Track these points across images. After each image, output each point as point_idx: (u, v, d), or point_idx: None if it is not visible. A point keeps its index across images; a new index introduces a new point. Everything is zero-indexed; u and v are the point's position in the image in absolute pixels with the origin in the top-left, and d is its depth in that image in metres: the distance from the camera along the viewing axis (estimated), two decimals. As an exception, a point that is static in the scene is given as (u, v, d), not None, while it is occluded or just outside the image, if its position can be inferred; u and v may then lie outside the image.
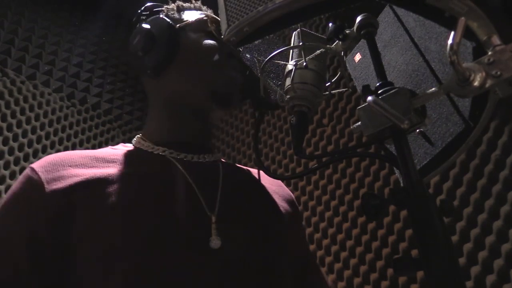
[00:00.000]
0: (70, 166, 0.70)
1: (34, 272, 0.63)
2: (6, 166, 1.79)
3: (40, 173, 0.68)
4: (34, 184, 0.67)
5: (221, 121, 2.33)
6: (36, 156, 1.92)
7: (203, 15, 0.82)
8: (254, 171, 0.87)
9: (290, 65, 0.66)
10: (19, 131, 1.90)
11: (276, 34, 0.77)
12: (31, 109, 1.99)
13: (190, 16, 0.82)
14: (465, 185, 1.23)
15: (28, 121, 1.95)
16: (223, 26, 0.54)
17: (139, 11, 0.84)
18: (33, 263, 0.63)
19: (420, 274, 1.25)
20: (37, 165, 0.70)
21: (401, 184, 0.50)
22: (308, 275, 0.85)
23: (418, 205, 0.46)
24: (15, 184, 0.70)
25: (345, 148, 1.63)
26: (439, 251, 0.43)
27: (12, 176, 1.80)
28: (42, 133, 1.99)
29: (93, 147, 2.18)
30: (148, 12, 0.83)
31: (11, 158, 1.82)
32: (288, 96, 0.63)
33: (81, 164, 0.71)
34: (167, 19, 0.78)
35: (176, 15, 0.82)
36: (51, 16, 2.30)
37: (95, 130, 2.24)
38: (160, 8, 0.84)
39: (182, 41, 0.77)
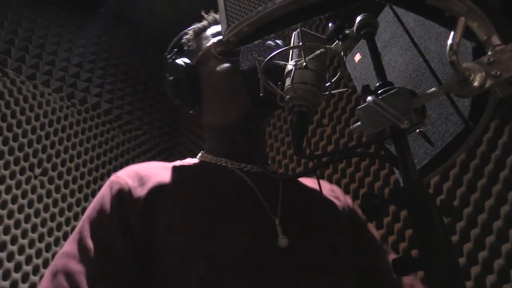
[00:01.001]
0: (151, 173, 0.78)
1: (131, 259, 0.70)
2: (6, 166, 1.79)
3: (126, 180, 0.76)
4: (122, 187, 0.75)
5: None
6: (36, 156, 1.92)
7: (211, 41, 0.87)
8: (309, 180, 0.94)
9: (290, 65, 0.66)
10: (19, 131, 1.90)
11: (276, 34, 0.77)
12: (31, 109, 1.99)
13: (201, 43, 0.88)
14: (465, 185, 1.23)
15: (28, 121, 1.95)
16: (223, 26, 0.54)
17: (165, 54, 0.92)
18: (129, 252, 0.70)
19: (420, 274, 1.25)
20: (122, 173, 0.79)
21: (401, 184, 0.50)
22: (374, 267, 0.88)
23: (418, 205, 0.46)
24: (103, 189, 0.78)
25: (345, 148, 1.63)
26: (439, 251, 0.43)
27: (12, 176, 1.80)
28: (42, 133, 1.98)
29: (93, 147, 2.18)
30: (171, 51, 0.91)
31: (11, 158, 1.82)
32: (288, 96, 0.63)
33: (159, 172, 0.79)
34: (182, 63, 0.85)
35: (194, 45, 0.89)
36: (51, 16, 2.30)
37: (95, 130, 2.24)
38: (181, 42, 0.92)
39: (201, 74, 0.85)
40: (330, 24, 0.62)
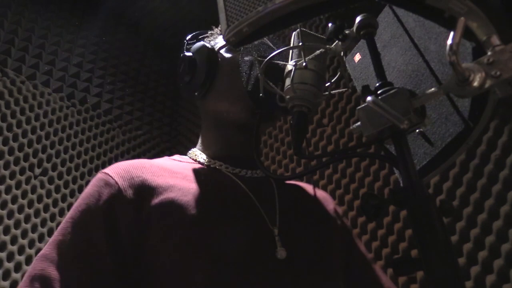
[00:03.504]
0: (143, 174, 0.73)
1: (114, 265, 0.65)
2: (6, 166, 1.79)
3: (116, 179, 0.71)
4: (112, 187, 0.69)
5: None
6: (36, 156, 1.92)
7: None
8: (302, 185, 0.91)
9: (290, 65, 0.66)
10: (19, 131, 1.90)
11: (276, 34, 0.77)
12: (31, 109, 1.99)
13: None
14: (465, 185, 1.23)
15: (28, 121, 1.95)
16: (223, 26, 0.54)
17: (185, 40, 0.90)
18: (113, 257, 0.66)
19: (420, 274, 1.25)
20: (112, 171, 0.73)
21: (401, 184, 0.50)
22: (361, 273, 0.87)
23: (418, 205, 0.46)
24: (90, 187, 0.72)
25: (345, 148, 1.63)
26: (439, 251, 0.43)
27: (12, 176, 1.80)
28: (42, 133, 1.98)
29: (93, 147, 2.18)
30: (194, 40, 0.89)
31: (11, 158, 1.82)
32: (288, 96, 0.63)
33: (151, 172, 0.74)
34: (206, 44, 0.83)
35: (218, 39, 0.87)
36: (51, 16, 2.30)
37: (95, 130, 2.24)
38: (204, 35, 0.90)
39: (220, 61, 0.82)
40: (330, 24, 0.62)
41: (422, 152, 0.63)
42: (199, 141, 0.88)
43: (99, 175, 0.73)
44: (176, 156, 0.87)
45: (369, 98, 0.49)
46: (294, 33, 0.70)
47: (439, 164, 0.61)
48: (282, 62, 0.69)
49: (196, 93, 0.82)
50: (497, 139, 1.18)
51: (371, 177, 1.57)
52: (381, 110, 0.47)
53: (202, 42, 0.85)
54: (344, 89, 0.82)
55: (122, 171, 0.73)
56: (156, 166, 0.77)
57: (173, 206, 0.69)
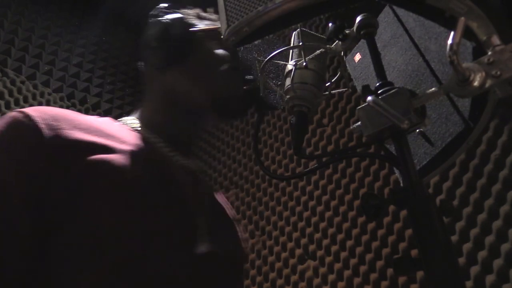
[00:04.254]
0: (74, 127, 0.63)
1: (28, 217, 0.56)
2: (6, 166, 1.79)
3: (38, 121, 0.59)
4: (29, 129, 0.58)
5: (216, 127, 2.34)
6: (36, 156, 1.92)
7: (218, 27, 0.83)
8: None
9: (290, 65, 0.66)
10: (19, 131, 1.90)
11: (276, 34, 0.77)
12: (31, 109, 1.99)
13: (207, 25, 0.84)
14: (465, 185, 1.23)
15: (28, 121, 1.95)
16: (223, 26, 0.54)
17: (160, 5, 0.85)
18: (28, 209, 0.56)
19: (420, 274, 1.25)
20: (34, 113, 0.60)
21: (401, 184, 0.50)
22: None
23: (418, 205, 0.46)
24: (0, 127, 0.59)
25: (345, 148, 1.63)
26: (439, 251, 0.43)
27: (12, 176, 1.80)
28: (42, 133, 1.99)
29: (93, 147, 2.19)
30: (169, 10, 0.84)
31: (11, 158, 1.82)
32: (288, 96, 0.63)
33: (84, 128, 0.64)
34: (187, 20, 0.79)
35: (195, 21, 0.83)
36: (51, 16, 2.30)
37: (95, 130, 2.24)
38: (180, 11, 0.86)
39: (196, 44, 0.79)
40: (330, 24, 0.62)
41: (422, 152, 0.63)
42: (140, 111, 0.84)
43: (14, 114, 0.60)
44: (120, 121, 0.81)
45: (369, 98, 0.49)
46: (294, 33, 0.70)
47: (439, 164, 0.61)
48: (282, 62, 0.69)
49: (157, 62, 0.78)
50: (497, 139, 1.19)
51: (371, 177, 1.57)
52: (381, 110, 0.47)
53: (180, 15, 0.80)
54: (344, 89, 0.82)
55: (48, 116, 0.61)
56: (87, 122, 0.68)
57: (101, 171, 0.61)
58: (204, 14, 0.88)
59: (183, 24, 0.79)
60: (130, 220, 0.61)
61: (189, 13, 0.85)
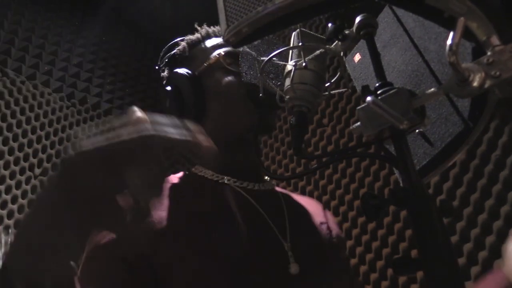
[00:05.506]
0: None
1: None
2: (6, 166, 1.79)
3: None
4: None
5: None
6: (36, 156, 1.92)
7: (216, 52, 0.83)
8: (306, 199, 0.92)
9: (290, 66, 0.66)
10: (19, 131, 1.90)
11: (275, 35, 0.77)
12: (31, 109, 1.99)
13: (204, 53, 0.84)
14: (465, 185, 1.23)
15: (28, 121, 1.95)
16: (222, 27, 0.54)
17: (156, 66, 0.87)
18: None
19: (420, 274, 1.25)
20: None
21: (401, 184, 0.50)
22: None
23: (418, 205, 0.46)
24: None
25: (345, 148, 1.63)
26: (439, 251, 0.43)
27: (12, 176, 1.80)
28: (42, 133, 1.99)
29: (93, 147, 2.18)
30: (166, 61, 0.86)
31: (11, 158, 1.82)
32: (287, 97, 0.63)
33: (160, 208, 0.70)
34: (185, 73, 0.80)
35: (193, 55, 0.85)
36: (51, 16, 2.30)
37: (95, 130, 2.24)
38: (173, 51, 0.87)
39: (205, 85, 0.80)
40: (330, 24, 0.62)
41: (422, 152, 0.63)
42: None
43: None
44: (181, 174, 0.84)
45: (369, 98, 0.48)
46: (294, 33, 0.70)
47: (439, 164, 0.61)
48: (282, 62, 0.69)
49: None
50: (497, 139, 1.19)
51: (371, 177, 1.57)
52: (381, 110, 0.47)
53: (181, 71, 0.81)
54: (344, 89, 0.82)
55: None
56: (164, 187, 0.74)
57: (184, 232, 0.68)
58: (193, 38, 0.88)
59: (183, 79, 0.80)
60: (214, 269, 0.65)
61: (180, 51, 0.86)
